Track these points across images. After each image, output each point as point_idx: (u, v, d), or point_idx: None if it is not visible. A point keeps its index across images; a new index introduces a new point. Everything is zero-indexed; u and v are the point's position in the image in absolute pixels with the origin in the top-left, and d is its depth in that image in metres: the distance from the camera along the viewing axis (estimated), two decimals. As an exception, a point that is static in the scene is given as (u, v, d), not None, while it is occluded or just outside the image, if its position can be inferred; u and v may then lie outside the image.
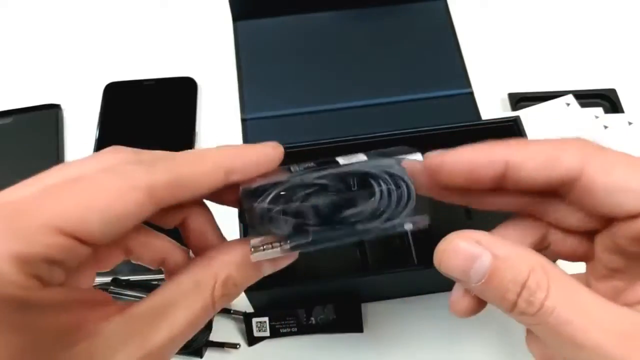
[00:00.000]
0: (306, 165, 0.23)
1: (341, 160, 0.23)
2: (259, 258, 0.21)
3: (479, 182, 0.22)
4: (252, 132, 0.49)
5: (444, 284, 0.41)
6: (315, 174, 0.22)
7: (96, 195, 0.18)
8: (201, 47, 0.55)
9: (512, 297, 0.19)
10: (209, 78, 0.53)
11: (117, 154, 0.20)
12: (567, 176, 0.20)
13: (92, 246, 0.18)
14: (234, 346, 0.39)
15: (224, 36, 0.54)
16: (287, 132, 0.49)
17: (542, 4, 0.57)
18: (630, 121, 0.47)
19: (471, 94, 0.50)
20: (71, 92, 0.52)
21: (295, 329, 0.39)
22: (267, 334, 0.39)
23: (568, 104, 0.48)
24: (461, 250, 0.20)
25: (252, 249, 0.21)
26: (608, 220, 0.21)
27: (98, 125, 0.50)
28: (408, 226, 0.22)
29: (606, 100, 0.50)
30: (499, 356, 0.39)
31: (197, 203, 0.23)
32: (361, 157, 0.23)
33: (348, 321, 0.40)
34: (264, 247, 0.21)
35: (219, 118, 0.51)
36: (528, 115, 0.47)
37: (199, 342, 0.38)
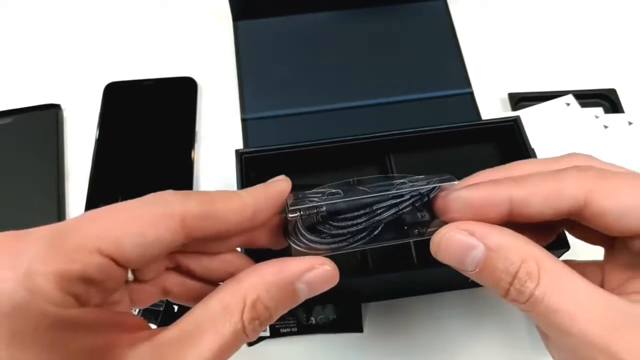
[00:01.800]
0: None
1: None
2: (295, 247, 0.23)
3: (488, 220, 0.22)
4: (252, 132, 0.49)
5: (444, 284, 0.41)
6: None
7: (131, 221, 0.19)
8: (201, 47, 0.55)
9: (505, 286, 0.20)
10: (209, 78, 0.53)
11: (160, 192, 0.21)
12: (573, 206, 0.21)
13: (127, 269, 0.19)
14: (234, 346, 0.39)
15: (224, 36, 0.54)
16: (287, 132, 0.49)
17: (542, 4, 0.57)
18: (630, 121, 0.47)
19: (471, 94, 0.50)
20: (71, 92, 0.52)
21: (295, 329, 0.39)
22: (267, 334, 0.39)
23: (568, 104, 0.48)
24: (455, 241, 0.21)
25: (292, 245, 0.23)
26: None
27: (98, 125, 0.50)
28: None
29: (606, 100, 0.50)
30: (499, 357, 0.39)
31: (248, 262, 0.24)
32: None
33: (348, 321, 0.40)
34: (298, 243, 0.23)
35: (219, 118, 0.51)
36: (528, 115, 0.47)
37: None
